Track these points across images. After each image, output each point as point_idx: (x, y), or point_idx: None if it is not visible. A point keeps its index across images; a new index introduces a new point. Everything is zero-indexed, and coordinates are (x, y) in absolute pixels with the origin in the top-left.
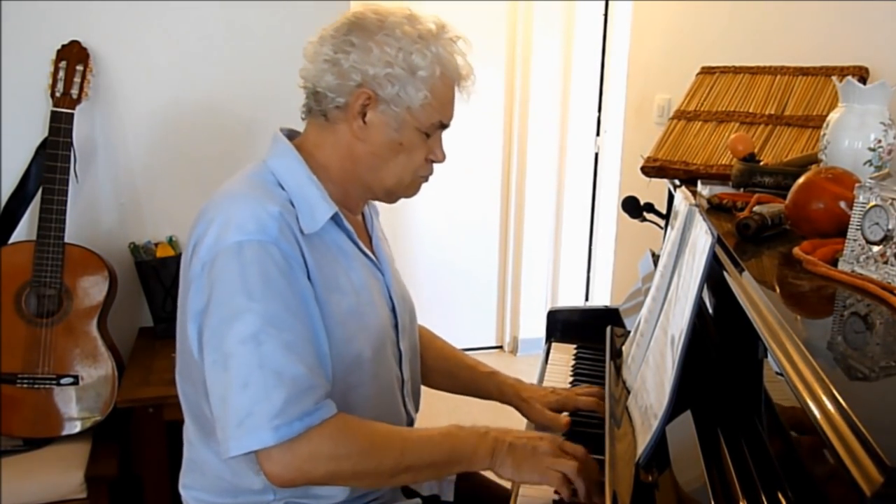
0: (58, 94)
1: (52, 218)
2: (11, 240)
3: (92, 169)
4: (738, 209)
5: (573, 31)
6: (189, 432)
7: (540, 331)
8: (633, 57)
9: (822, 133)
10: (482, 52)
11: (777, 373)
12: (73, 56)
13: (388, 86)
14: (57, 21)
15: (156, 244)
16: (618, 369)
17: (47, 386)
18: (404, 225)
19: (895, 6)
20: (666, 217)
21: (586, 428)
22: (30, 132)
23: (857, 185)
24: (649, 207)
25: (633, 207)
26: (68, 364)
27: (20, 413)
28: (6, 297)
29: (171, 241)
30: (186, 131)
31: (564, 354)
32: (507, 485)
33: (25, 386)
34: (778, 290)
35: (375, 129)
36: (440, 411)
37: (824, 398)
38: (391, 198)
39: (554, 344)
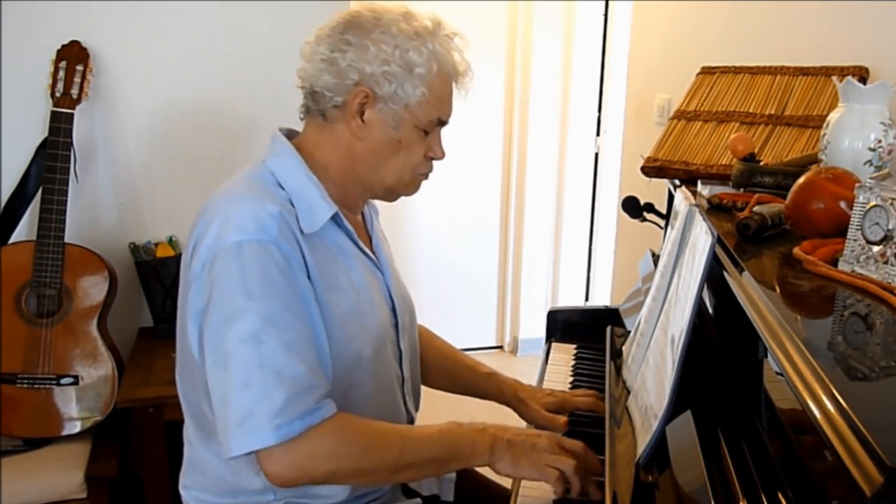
0: (58, 94)
1: (52, 218)
2: (11, 240)
3: (92, 169)
4: (738, 209)
5: (573, 31)
6: (189, 432)
7: (540, 331)
8: (633, 57)
9: (822, 133)
10: (482, 52)
11: (777, 373)
12: (73, 56)
13: (386, 84)
14: (57, 21)
15: (156, 244)
16: (618, 369)
17: (47, 386)
18: (404, 225)
19: (895, 6)
20: (666, 217)
21: (586, 428)
22: (30, 132)
23: (857, 185)
24: (649, 207)
25: (633, 207)
26: (68, 364)
27: (20, 413)
28: (6, 297)
29: (171, 241)
30: (186, 131)
31: (564, 354)
32: (507, 484)
33: (25, 386)
34: (778, 290)
35: (374, 127)
36: (440, 410)
37: (824, 398)
38: (391, 196)
39: (554, 344)
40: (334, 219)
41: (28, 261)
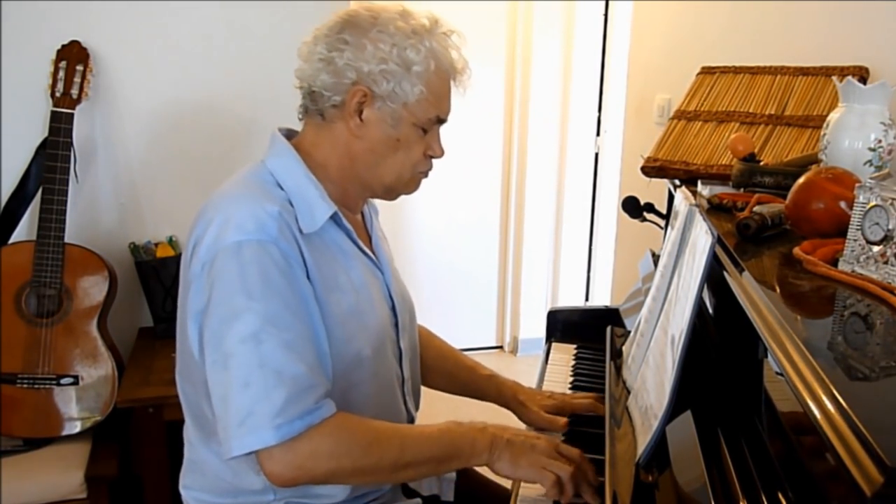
0: (58, 94)
1: (52, 218)
2: (11, 240)
3: (92, 169)
4: (738, 209)
5: (573, 31)
6: (189, 432)
7: (540, 331)
8: (633, 57)
9: (822, 133)
10: (482, 52)
11: (777, 373)
12: (73, 56)
13: (384, 82)
14: (57, 21)
15: (156, 244)
16: (618, 369)
17: (47, 386)
18: (404, 225)
19: (895, 6)
20: (666, 217)
21: (586, 428)
22: (30, 132)
23: (857, 185)
24: (649, 207)
25: (633, 207)
26: (68, 364)
27: (20, 413)
28: (6, 297)
29: (171, 241)
30: (186, 131)
31: (564, 354)
32: (507, 485)
33: (25, 386)
34: (778, 290)
35: (372, 126)
36: (440, 410)
37: (824, 398)
38: (391, 195)
39: (554, 344)
40: (333, 218)
41: (28, 261)
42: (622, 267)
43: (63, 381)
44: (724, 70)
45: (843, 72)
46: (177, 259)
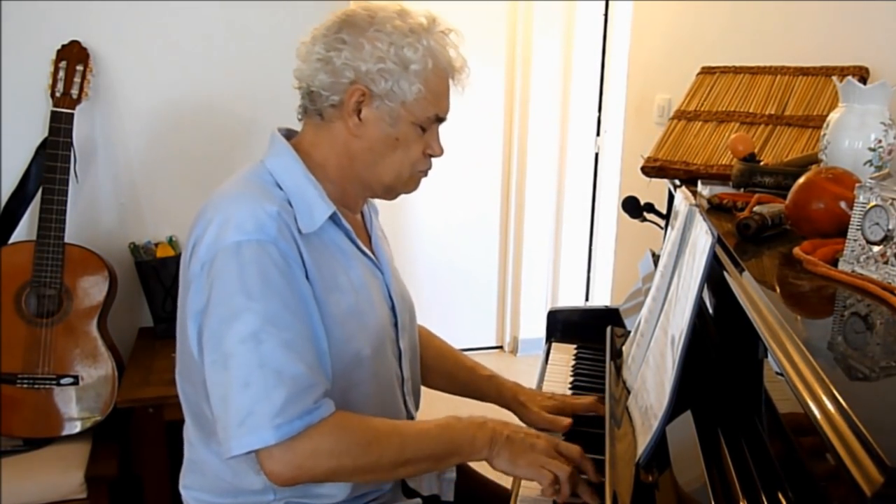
0: (58, 94)
1: (52, 218)
2: (11, 240)
3: (92, 169)
4: (738, 209)
5: (573, 31)
6: (189, 432)
7: (540, 331)
8: (633, 57)
9: (822, 133)
10: (482, 52)
11: (777, 373)
12: (73, 56)
13: (382, 81)
14: (57, 21)
15: (156, 244)
16: (618, 369)
17: (47, 386)
18: (404, 225)
19: (895, 6)
20: (666, 217)
21: (586, 428)
22: (30, 132)
23: (857, 185)
24: (649, 207)
25: (633, 207)
26: (68, 364)
27: (20, 413)
28: (6, 297)
29: (171, 241)
30: (186, 131)
31: (564, 354)
32: (507, 484)
33: (25, 386)
34: (778, 290)
35: (371, 125)
36: (440, 411)
37: (824, 398)
38: (390, 194)
39: (554, 344)
40: (333, 218)
41: (28, 261)
42: (622, 267)
43: (63, 381)
44: (724, 70)
45: (843, 72)
46: (177, 259)
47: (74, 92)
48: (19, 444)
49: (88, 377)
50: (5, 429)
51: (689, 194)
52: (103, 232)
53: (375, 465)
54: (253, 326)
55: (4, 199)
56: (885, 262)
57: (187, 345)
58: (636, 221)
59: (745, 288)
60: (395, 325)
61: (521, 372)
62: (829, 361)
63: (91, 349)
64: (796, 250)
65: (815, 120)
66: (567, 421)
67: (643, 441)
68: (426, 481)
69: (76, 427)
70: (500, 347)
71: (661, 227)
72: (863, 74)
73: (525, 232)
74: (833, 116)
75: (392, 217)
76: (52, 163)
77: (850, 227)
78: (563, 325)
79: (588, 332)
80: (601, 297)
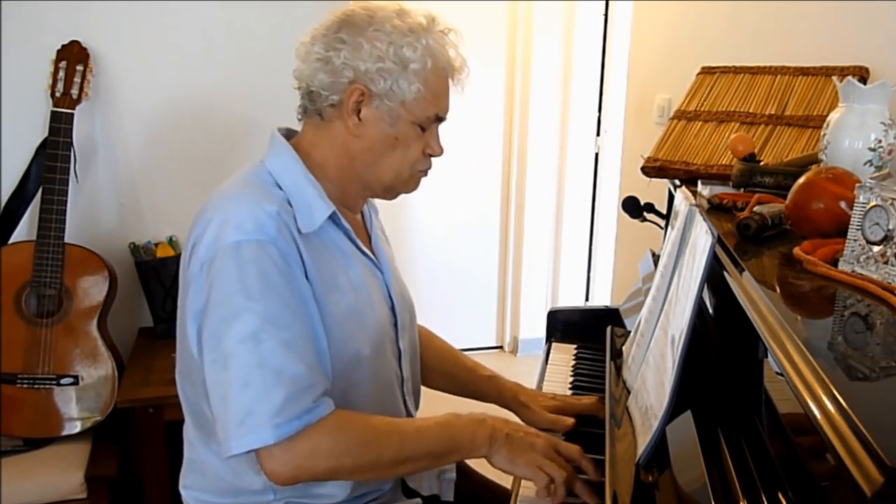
0: (58, 94)
1: (52, 218)
2: (11, 240)
3: (92, 169)
4: (738, 209)
5: (573, 31)
6: (189, 432)
7: (540, 331)
8: (633, 57)
9: (822, 133)
10: (482, 52)
11: (777, 373)
12: (73, 56)
13: (381, 80)
14: (57, 21)
15: (156, 244)
16: (618, 369)
17: (47, 386)
18: (404, 225)
19: (895, 6)
20: (666, 217)
21: (586, 428)
22: (30, 132)
23: (857, 185)
24: (649, 207)
25: (633, 207)
26: (68, 364)
27: (20, 413)
28: (6, 297)
29: (171, 241)
30: (186, 131)
31: (565, 355)
32: (507, 484)
33: (25, 386)
34: (778, 290)
35: (370, 124)
36: (440, 410)
37: (824, 398)
38: (390, 194)
39: (554, 344)
40: (332, 218)
41: (28, 261)
42: (622, 267)
43: (63, 381)
44: (724, 70)
45: (843, 72)
46: (177, 259)
47: (74, 92)
48: (19, 444)
49: (88, 377)
50: (5, 429)
51: (689, 194)
52: (103, 232)
53: (375, 464)
54: (252, 326)
55: (4, 199)
56: (885, 262)
57: (187, 344)
58: (636, 221)
59: (745, 288)
60: (395, 324)
61: (521, 372)
62: (829, 361)
63: (91, 349)
64: (796, 250)
65: (815, 120)
66: (570, 421)
67: (643, 441)
68: (426, 481)
69: (76, 427)
70: (500, 347)
71: (661, 227)
72: (863, 74)
73: (525, 232)
74: (833, 116)
75: (392, 217)
76: (52, 163)
77: (850, 227)
78: (563, 325)
79: (588, 332)
80: (601, 297)
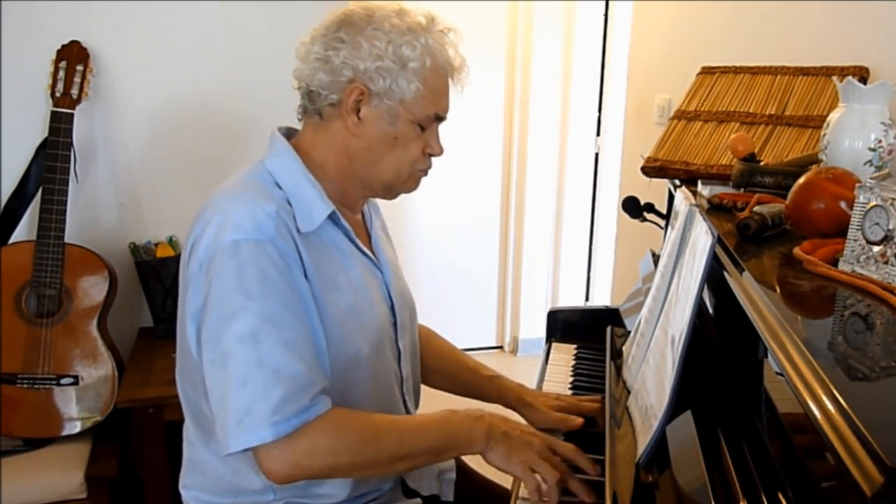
0: (58, 94)
1: (52, 218)
2: (11, 240)
3: (92, 169)
4: (738, 209)
5: (573, 31)
6: (189, 432)
7: (540, 331)
8: (633, 57)
9: (822, 133)
10: (482, 52)
11: (777, 373)
12: (73, 56)
13: (380, 79)
14: (57, 21)
15: (156, 244)
16: (618, 369)
17: (47, 386)
18: (404, 224)
19: (895, 6)
20: (666, 217)
21: (587, 428)
22: (30, 132)
23: (857, 185)
24: (649, 207)
25: (633, 207)
26: (68, 364)
27: (20, 413)
28: (6, 297)
29: (171, 241)
30: (186, 131)
31: (565, 355)
32: (507, 484)
33: (25, 386)
34: (778, 290)
35: (369, 123)
36: (440, 409)
37: (824, 398)
38: (390, 193)
39: (554, 344)
40: (332, 218)
41: (28, 261)
42: (622, 267)
43: (63, 381)
44: (724, 70)
45: (843, 72)
46: (177, 259)
47: (74, 92)
48: (19, 444)
49: (88, 377)
50: (5, 429)
51: (689, 194)
52: (103, 232)
53: (373, 461)
54: (251, 325)
55: (4, 199)
56: (885, 262)
57: (186, 344)
58: (636, 221)
59: (745, 288)
60: (395, 324)
61: (521, 372)
62: (829, 361)
63: (91, 349)
64: (796, 250)
65: (815, 120)
66: (579, 420)
67: (643, 441)
68: (426, 481)
69: (76, 427)
70: (500, 347)
71: (661, 227)
72: (863, 74)
73: (525, 232)
74: (833, 116)
75: (392, 217)
76: (52, 163)
77: (851, 227)
78: (563, 325)
79: (588, 332)
80: (601, 297)
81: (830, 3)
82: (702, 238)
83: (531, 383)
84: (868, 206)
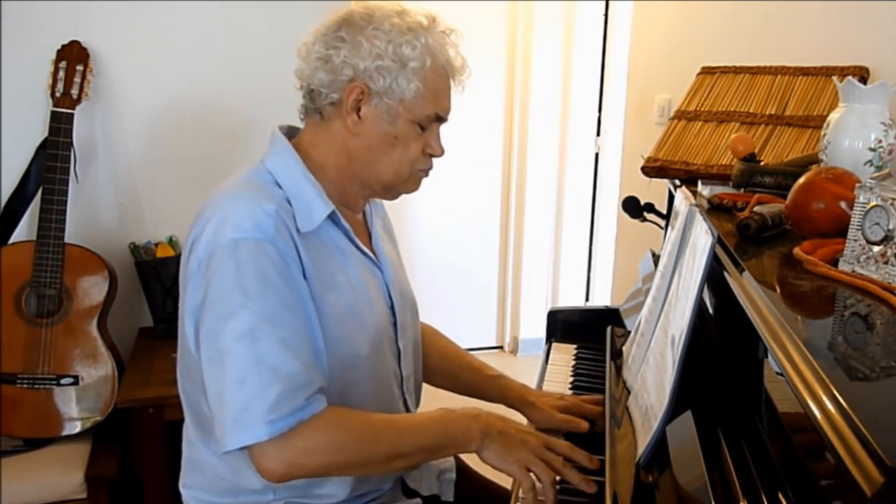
0: (58, 94)
1: (52, 218)
2: (11, 240)
3: (92, 169)
4: (738, 209)
5: (573, 31)
6: (189, 431)
7: (540, 331)
8: (633, 57)
9: (822, 133)
10: (482, 52)
11: (777, 373)
12: (73, 56)
13: (380, 79)
14: (57, 21)
15: (156, 244)
16: (618, 369)
17: (47, 386)
18: (404, 225)
19: (895, 6)
20: (666, 217)
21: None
22: (30, 132)
23: (857, 185)
24: (650, 207)
25: (633, 207)
26: (68, 364)
27: (20, 413)
28: (6, 297)
29: (171, 241)
30: (186, 131)
31: (565, 355)
32: (507, 484)
33: (25, 386)
34: (778, 290)
35: (369, 122)
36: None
37: (824, 398)
38: (390, 193)
39: (554, 344)
40: (331, 217)
41: (28, 261)
42: (622, 267)
43: (63, 381)
44: (724, 70)
45: (843, 72)
46: (177, 259)
47: (74, 92)
48: (19, 444)
49: (88, 377)
50: (5, 429)
51: (689, 194)
52: (103, 232)
53: (370, 460)
54: (249, 324)
55: (4, 199)
56: (886, 262)
57: (186, 342)
58: (636, 221)
59: (745, 288)
60: (395, 324)
61: (521, 372)
62: (829, 361)
63: (91, 349)
64: (796, 250)
65: (815, 120)
66: (584, 424)
67: (643, 441)
68: (426, 481)
69: (76, 427)
70: (500, 347)
71: (661, 227)
72: (863, 74)
73: (525, 232)
74: (833, 116)
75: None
76: (52, 163)
77: (851, 227)
78: (563, 325)
79: (588, 332)
80: (601, 297)
81: (830, 3)
82: (702, 238)
83: (531, 383)
84: (868, 206)
